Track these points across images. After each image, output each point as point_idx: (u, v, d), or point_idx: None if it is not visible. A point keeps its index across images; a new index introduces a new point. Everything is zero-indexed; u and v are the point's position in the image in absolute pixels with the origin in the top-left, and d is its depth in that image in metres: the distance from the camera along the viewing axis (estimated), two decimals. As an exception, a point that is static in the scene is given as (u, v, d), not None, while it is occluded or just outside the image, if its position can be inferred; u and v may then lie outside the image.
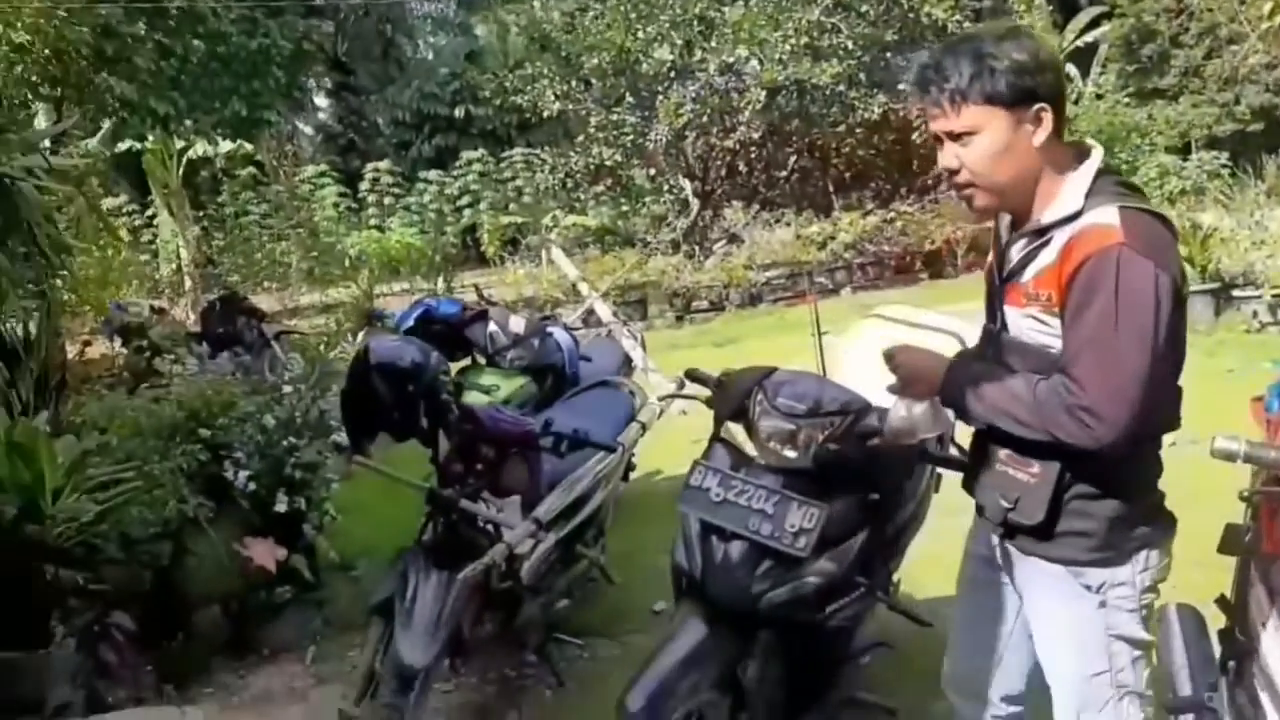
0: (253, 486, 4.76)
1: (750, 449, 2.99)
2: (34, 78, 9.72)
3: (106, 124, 11.49)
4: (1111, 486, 2.24)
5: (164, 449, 4.80)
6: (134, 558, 4.45)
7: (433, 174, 23.36)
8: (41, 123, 9.37)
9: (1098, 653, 2.34)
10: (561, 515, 4.16)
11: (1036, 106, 2.19)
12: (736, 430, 3.07)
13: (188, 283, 17.45)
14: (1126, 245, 2.08)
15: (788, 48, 16.82)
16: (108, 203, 16.00)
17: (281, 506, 4.79)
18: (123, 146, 16.23)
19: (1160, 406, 2.19)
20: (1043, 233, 2.25)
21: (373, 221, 21.33)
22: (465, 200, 22.79)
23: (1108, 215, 2.13)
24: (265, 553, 4.67)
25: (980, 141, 2.23)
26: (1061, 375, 2.15)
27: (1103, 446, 2.10)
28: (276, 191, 19.55)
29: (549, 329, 5.67)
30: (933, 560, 4.46)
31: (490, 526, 3.84)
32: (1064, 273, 2.14)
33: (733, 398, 2.99)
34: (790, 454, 2.84)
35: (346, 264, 17.45)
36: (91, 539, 4.23)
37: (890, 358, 2.53)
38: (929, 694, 3.90)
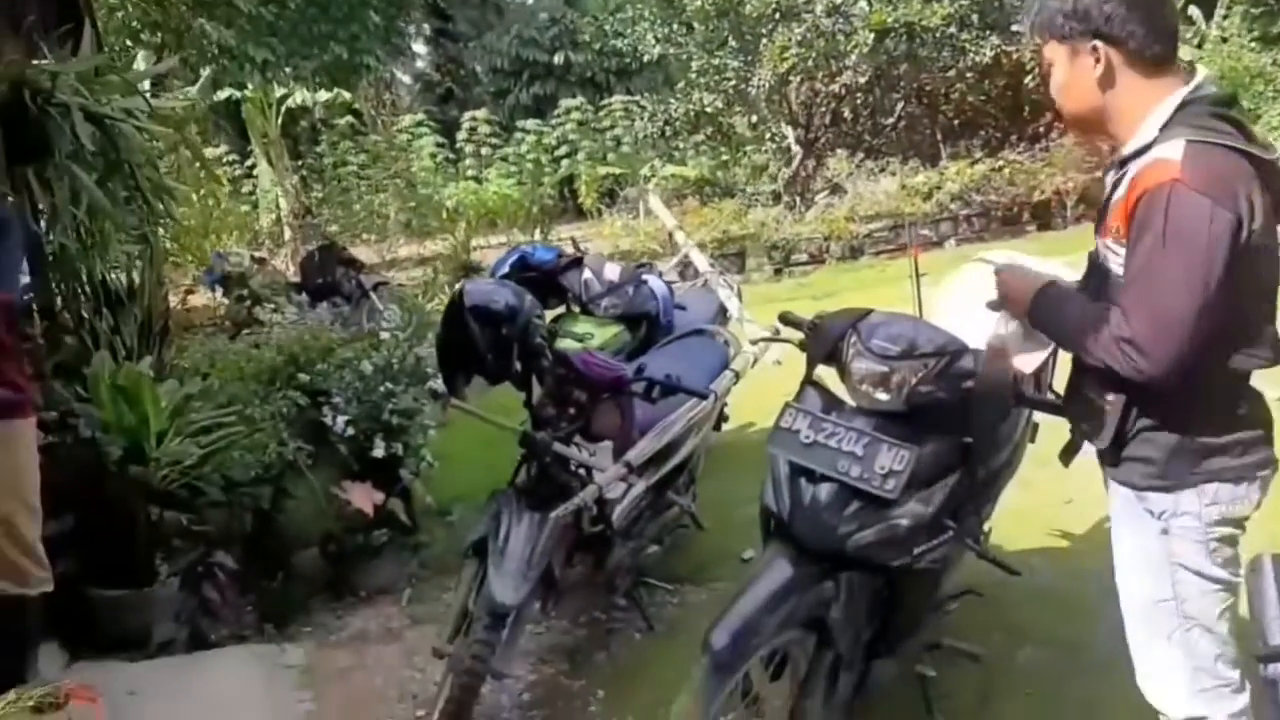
0: (350, 431, 4.84)
1: (842, 393, 2.96)
2: (135, 23, 9.86)
3: (206, 72, 11.64)
4: (1172, 418, 2.25)
5: (264, 394, 4.90)
6: (235, 500, 4.56)
7: (530, 123, 23.10)
8: (141, 68, 9.51)
9: (1162, 579, 2.34)
10: (652, 461, 4.16)
11: (1091, 43, 2.23)
12: (828, 375, 3.03)
13: (287, 233, 17.52)
14: (1181, 181, 2.07)
15: (898, -13, 16.33)
16: (208, 152, 16.18)
17: (379, 451, 4.85)
18: (222, 95, 16.47)
19: (1216, 343, 2.15)
20: (1124, 164, 2.27)
21: (470, 172, 21.14)
22: (563, 150, 22.52)
23: (1172, 149, 2.12)
24: (363, 496, 4.74)
25: (1055, 74, 2.36)
26: (1116, 307, 2.18)
27: (1148, 380, 2.12)
28: (374, 141, 19.44)
29: (644, 277, 5.63)
30: (1025, 511, 4.41)
31: (582, 470, 3.86)
32: (1128, 206, 2.17)
33: (826, 340, 2.95)
34: (882, 396, 2.80)
35: (444, 216, 17.44)
36: (194, 481, 4.34)
37: (998, 273, 2.62)
38: (1015, 642, 3.89)
